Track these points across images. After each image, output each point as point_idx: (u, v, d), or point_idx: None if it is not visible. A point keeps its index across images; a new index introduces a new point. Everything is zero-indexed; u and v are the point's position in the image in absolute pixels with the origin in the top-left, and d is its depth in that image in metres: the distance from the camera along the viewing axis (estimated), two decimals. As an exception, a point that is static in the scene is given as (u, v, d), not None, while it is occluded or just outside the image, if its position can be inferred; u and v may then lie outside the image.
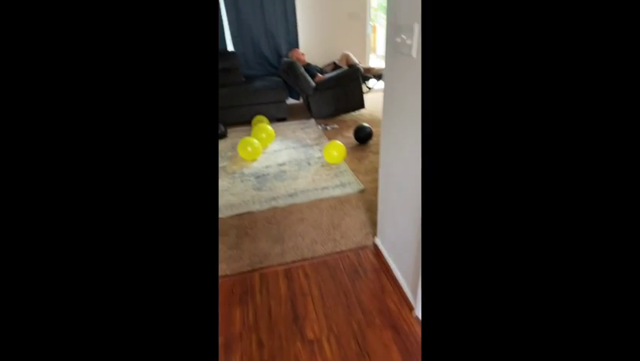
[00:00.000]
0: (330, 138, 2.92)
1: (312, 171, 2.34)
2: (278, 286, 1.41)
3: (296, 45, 3.69)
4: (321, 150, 2.66)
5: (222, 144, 2.90)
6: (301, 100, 3.87)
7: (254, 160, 2.57)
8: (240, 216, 1.87)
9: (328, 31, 3.77)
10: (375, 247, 1.58)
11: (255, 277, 1.45)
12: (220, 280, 1.44)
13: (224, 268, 1.49)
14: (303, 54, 3.56)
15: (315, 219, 1.81)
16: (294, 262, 1.52)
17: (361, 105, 3.38)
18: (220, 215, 1.88)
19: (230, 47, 3.53)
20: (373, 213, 1.83)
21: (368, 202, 1.94)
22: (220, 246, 1.64)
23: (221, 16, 3.34)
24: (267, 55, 3.64)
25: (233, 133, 3.14)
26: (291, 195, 2.04)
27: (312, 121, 3.36)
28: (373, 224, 1.74)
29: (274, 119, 3.37)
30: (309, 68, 3.45)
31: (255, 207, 1.93)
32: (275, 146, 2.81)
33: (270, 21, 3.47)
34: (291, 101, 3.84)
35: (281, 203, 1.97)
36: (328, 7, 3.65)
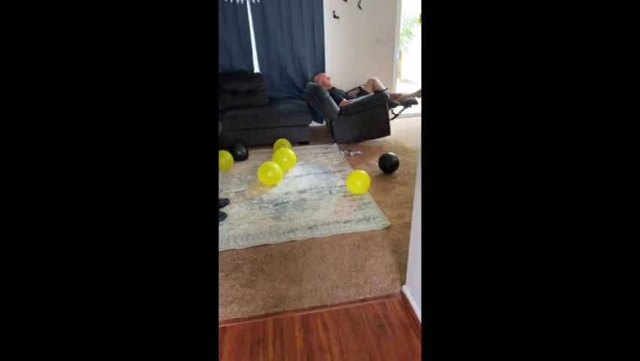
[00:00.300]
0: (352, 165, 2.80)
1: (334, 202, 2.22)
2: (293, 336, 1.26)
3: (322, 69, 3.67)
4: (343, 178, 2.54)
5: (243, 166, 2.85)
6: (324, 123, 3.81)
7: (274, 185, 2.48)
8: (255, 248, 1.76)
9: (355, 56, 3.74)
10: (404, 297, 1.41)
11: (269, 323, 1.31)
12: (230, 325, 1.31)
13: (235, 310, 1.37)
14: (329, 78, 3.52)
15: (337, 258, 1.66)
16: (312, 308, 1.38)
17: (387, 132, 3.26)
18: (235, 246, 1.77)
19: (256, 69, 3.56)
20: (400, 255, 1.67)
21: (394, 241, 1.78)
22: (233, 283, 1.52)
23: (250, 39, 3.38)
24: (292, 78, 3.64)
25: (254, 155, 3.08)
26: (310, 228, 1.91)
27: (335, 146, 3.27)
28: (401, 268, 1.57)
29: (296, 142, 3.31)
30: (334, 92, 3.40)
31: (272, 240, 1.82)
32: (296, 171, 2.72)
33: (298, 45, 3.48)
34: (313, 123, 3.78)
35: (299, 236, 1.84)
36: (356, 32, 3.63)
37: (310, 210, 2.12)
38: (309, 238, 1.83)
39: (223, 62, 3.43)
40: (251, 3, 3.23)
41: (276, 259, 1.67)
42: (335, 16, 3.52)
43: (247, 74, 3.43)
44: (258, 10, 3.28)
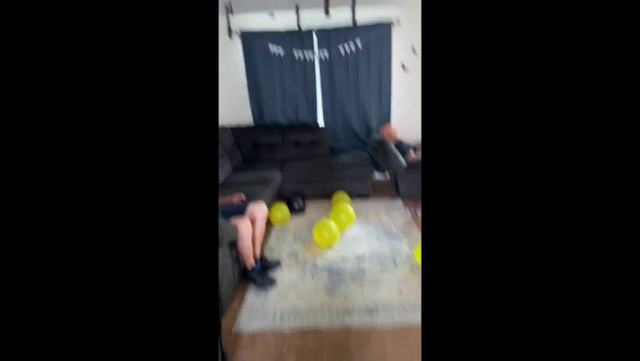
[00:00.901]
0: (421, 228, 2.44)
1: (399, 277, 1.88)
2: None
3: (388, 119, 3.51)
4: (410, 246, 2.20)
5: (299, 221, 2.70)
6: (387, 175, 3.56)
7: (329, 247, 2.24)
8: (304, 333, 1.50)
9: (424, 107, 3.52)
10: None
11: None
12: None
13: None
14: (395, 131, 3.32)
15: (403, 364, 1.30)
16: None
17: (461, 190, 2.86)
18: (282, 326, 1.54)
19: (320, 120, 3.55)
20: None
21: (481, 348, 1.35)
22: (273, 381, 1.26)
23: (316, 93, 3.43)
24: (356, 129, 3.54)
25: (311, 208, 2.94)
26: (369, 312, 1.60)
27: (400, 202, 2.96)
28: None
29: (356, 194, 3.09)
30: (400, 145, 3.17)
31: (324, 322, 1.54)
32: (355, 230, 2.47)
33: (363, 96, 3.41)
34: (375, 175, 3.55)
35: (356, 322, 1.53)
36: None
37: (370, 285, 1.81)
38: (369, 327, 1.51)
39: (289, 115, 3.51)
40: (320, 60, 3.31)
41: (327, 352, 1.38)
42: (403, 68, 3.40)
43: (311, 126, 3.44)
44: (326, 67, 3.34)
